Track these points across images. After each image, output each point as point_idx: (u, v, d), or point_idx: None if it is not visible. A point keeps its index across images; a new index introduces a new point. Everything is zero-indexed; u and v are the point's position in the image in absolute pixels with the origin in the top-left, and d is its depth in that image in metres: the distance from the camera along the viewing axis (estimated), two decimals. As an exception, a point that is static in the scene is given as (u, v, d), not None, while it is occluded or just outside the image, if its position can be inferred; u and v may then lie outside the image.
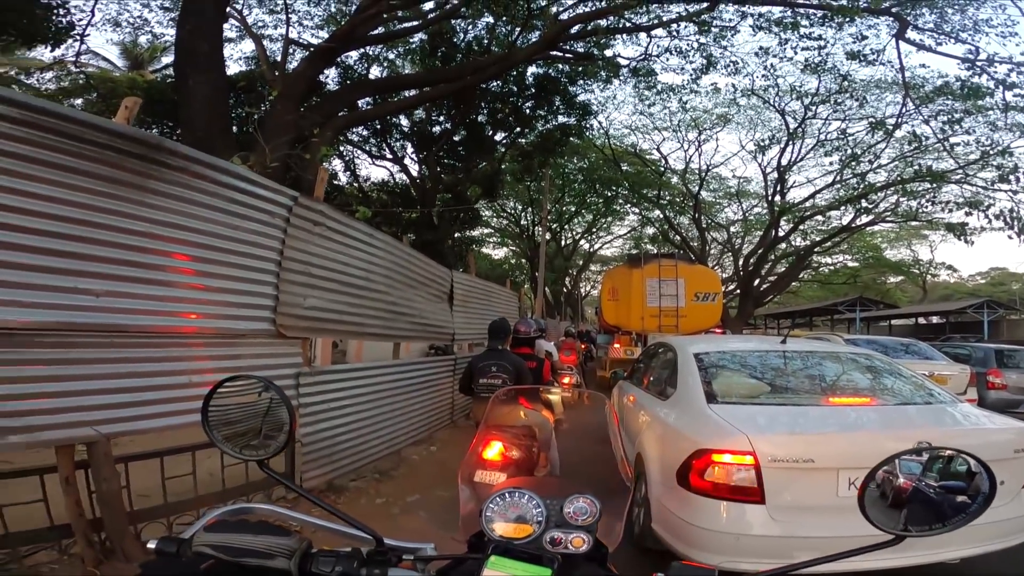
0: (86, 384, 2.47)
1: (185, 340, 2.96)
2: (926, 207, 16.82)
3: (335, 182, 15.15)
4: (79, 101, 11.87)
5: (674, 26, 11.23)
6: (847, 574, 2.16)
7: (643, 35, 11.89)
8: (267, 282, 3.45)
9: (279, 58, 10.23)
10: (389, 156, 16.27)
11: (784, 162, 19.65)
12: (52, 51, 9.82)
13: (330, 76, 13.04)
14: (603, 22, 10.68)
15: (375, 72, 14.30)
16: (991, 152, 14.17)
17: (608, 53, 12.72)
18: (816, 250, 22.53)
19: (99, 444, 2.55)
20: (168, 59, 16.33)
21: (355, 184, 16.29)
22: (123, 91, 10.94)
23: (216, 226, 3.08)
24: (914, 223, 20.42)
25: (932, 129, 13.49)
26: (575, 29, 10.52)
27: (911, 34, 10.80)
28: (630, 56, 13.09)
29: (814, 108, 17.07)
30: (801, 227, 20.96)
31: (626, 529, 1.17)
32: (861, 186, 17.56)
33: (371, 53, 13.62)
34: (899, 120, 14.48)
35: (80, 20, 9.58)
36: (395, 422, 5.16)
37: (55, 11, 8.71)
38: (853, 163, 17.68)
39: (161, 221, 2.77)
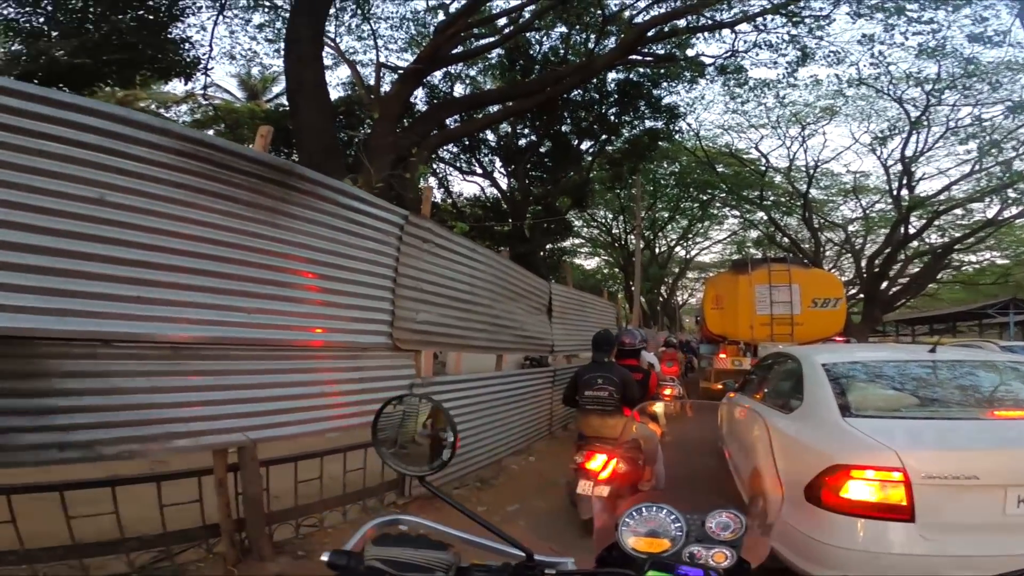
0: (237, 393, 2.76)
1: (317, 353, 3.23)
2: (1088, 194, 14.29)
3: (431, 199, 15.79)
4: (211, 131, 13.16)
5: (760, 20, 10.61)
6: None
7: (727, 31, 11.38)
8: (384, 298, 3.67)
9: (371, 82, 10.88)
10: (479, 171, 16.84)
11: (908, 153, 17.63)
12: (185, 84, 10.93)
13: (418, 96, 13.76)
14: (682, 22, 10.33)
15: (458, 90, 14.90)
16: None
17: (690, 53, 12.32)
18: (956, 247, 19.77)
19: (248, 449, 2.82)
20: (277, 88, 18.08)
21: (449, 200, 16.96)
22: (245, 120, 12.19)
23: (340, 246, 3.32)
24: (1072, 212, 17.36)
25: (1083, 109, 11.49)
26: (652, 32, 10.26)
27: (1037, 11, 9.38)
28: (714, 54, 12.70)
29: (938, 95, 15.22)
30: (936, 223, 18.58)
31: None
32: (1006, 175, 15.30)
33: (453, 72, 14.19)
34: (1041, 102, 12.50)
35: (202, 55, 10.61)
36: (496, 432, 5.26)
37: (182, 45, 9.75)
38: (994, 150, 15.51)
39: (294, 242, 3.03)
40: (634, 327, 10.96)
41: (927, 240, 19.75)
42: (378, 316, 3.61)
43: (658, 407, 3.56)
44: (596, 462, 3.46)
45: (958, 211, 18.25)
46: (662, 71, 13.00)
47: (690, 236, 29.73)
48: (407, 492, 3.83)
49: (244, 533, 2.90)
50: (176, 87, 13.07)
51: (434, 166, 15.21)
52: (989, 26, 10.37)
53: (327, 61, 12.84)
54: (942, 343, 3.46)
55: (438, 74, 13.58)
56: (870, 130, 18.50)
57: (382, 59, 12.63)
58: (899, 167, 18.07)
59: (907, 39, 10.82)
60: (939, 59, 12.66)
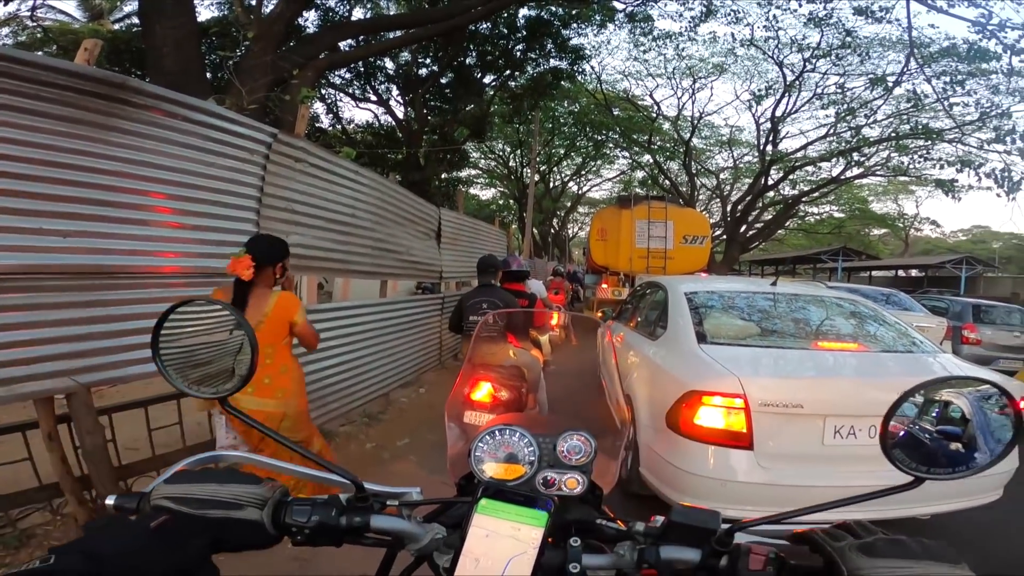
0: (60, 331, 2.35)
1: (163, 280, 2.83)
2: (918, 163, 16.77)
3: (317, 125, 14.60)
4: (39, 54, 11.21)
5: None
6: (818, 524, 2.21)
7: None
8: (247, 219, 3.32)
9: (254, 2, 9.56)
10: (374, 98, 15.69)
11: (779, 113, 19.30)
12: (5, 5, 9.06)
13: (309, 19, 12.32)
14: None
15: (358, 13, 13.48)
16: (990, 114, 13.99)
17: (604, -3, 12.11)
18: (803, 200, 22.53)
19: (79, 395, 2.45)
20: (129, 7, 15.37)
21: (338, 127, 15.71)
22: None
23: (191, 164, 2.92)
24: (903, 178, 20.41)
25: (933, 88, 13.15)
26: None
27: (924, -7, 10.34)
28: (627, 0, 12.40)
29: (814, 62, 16.57)
30: (791, 176, 20.86)
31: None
32: (855, 139, 17.34)
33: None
34: (900, 78, 14.11)
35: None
36: (383, 364, 5.13)
37: None
38: (849, 117, 17.41)
39: (131, 160, 2.61)
40: (523, 259, 11.19)
41: (781, 191, 22.22)
42: (239, 239, 3.22)
43: (542, 335, 3.67)
44: (482, 391, 3.52)
45: (809, 168, 20.57)
46: (574, 12, 12.65)
47: (583, 173, 30.75)
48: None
49: (94, 490, 2.59)
50: (-4, 8, 10.54)
51: (323, 91, 13.83)
52: (877, 1, 11.05)
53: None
54: (782, 280, 3.83)
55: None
56: (750, 89, 19.96)
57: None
58: (768, 124, 19.75)
59: (801, 5, 11.37)
60: (823, 28, 13.44)
